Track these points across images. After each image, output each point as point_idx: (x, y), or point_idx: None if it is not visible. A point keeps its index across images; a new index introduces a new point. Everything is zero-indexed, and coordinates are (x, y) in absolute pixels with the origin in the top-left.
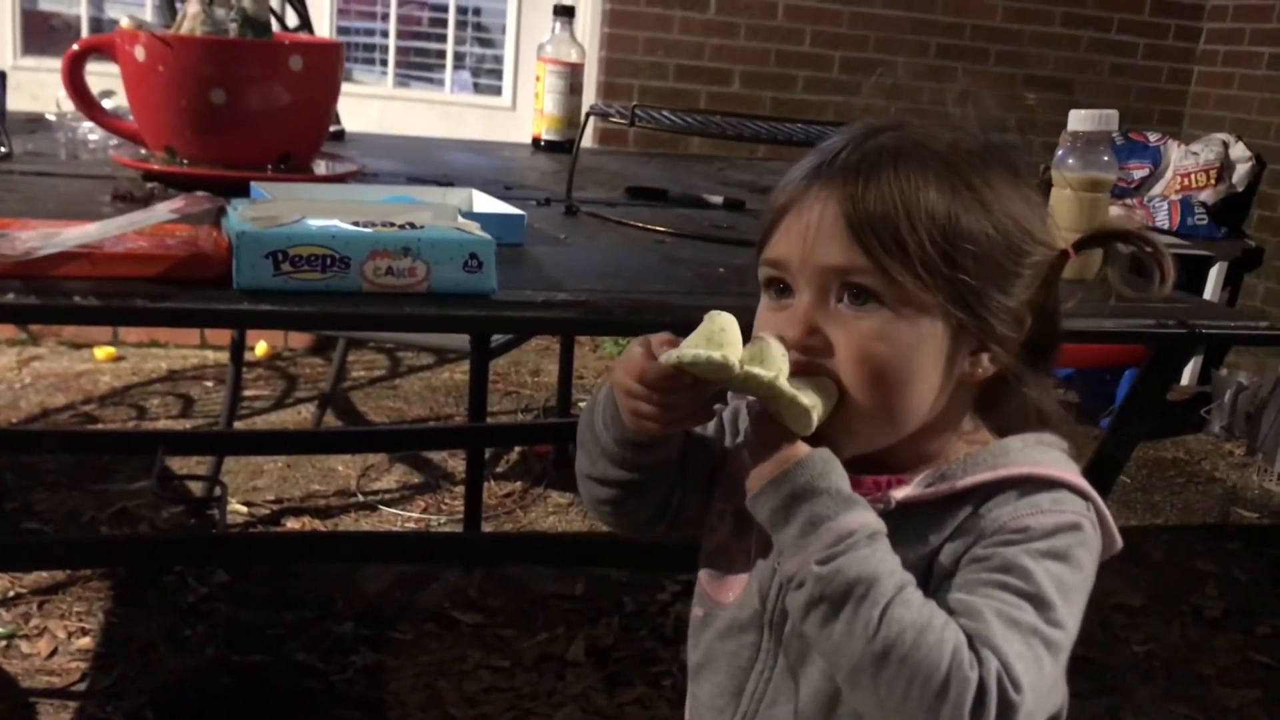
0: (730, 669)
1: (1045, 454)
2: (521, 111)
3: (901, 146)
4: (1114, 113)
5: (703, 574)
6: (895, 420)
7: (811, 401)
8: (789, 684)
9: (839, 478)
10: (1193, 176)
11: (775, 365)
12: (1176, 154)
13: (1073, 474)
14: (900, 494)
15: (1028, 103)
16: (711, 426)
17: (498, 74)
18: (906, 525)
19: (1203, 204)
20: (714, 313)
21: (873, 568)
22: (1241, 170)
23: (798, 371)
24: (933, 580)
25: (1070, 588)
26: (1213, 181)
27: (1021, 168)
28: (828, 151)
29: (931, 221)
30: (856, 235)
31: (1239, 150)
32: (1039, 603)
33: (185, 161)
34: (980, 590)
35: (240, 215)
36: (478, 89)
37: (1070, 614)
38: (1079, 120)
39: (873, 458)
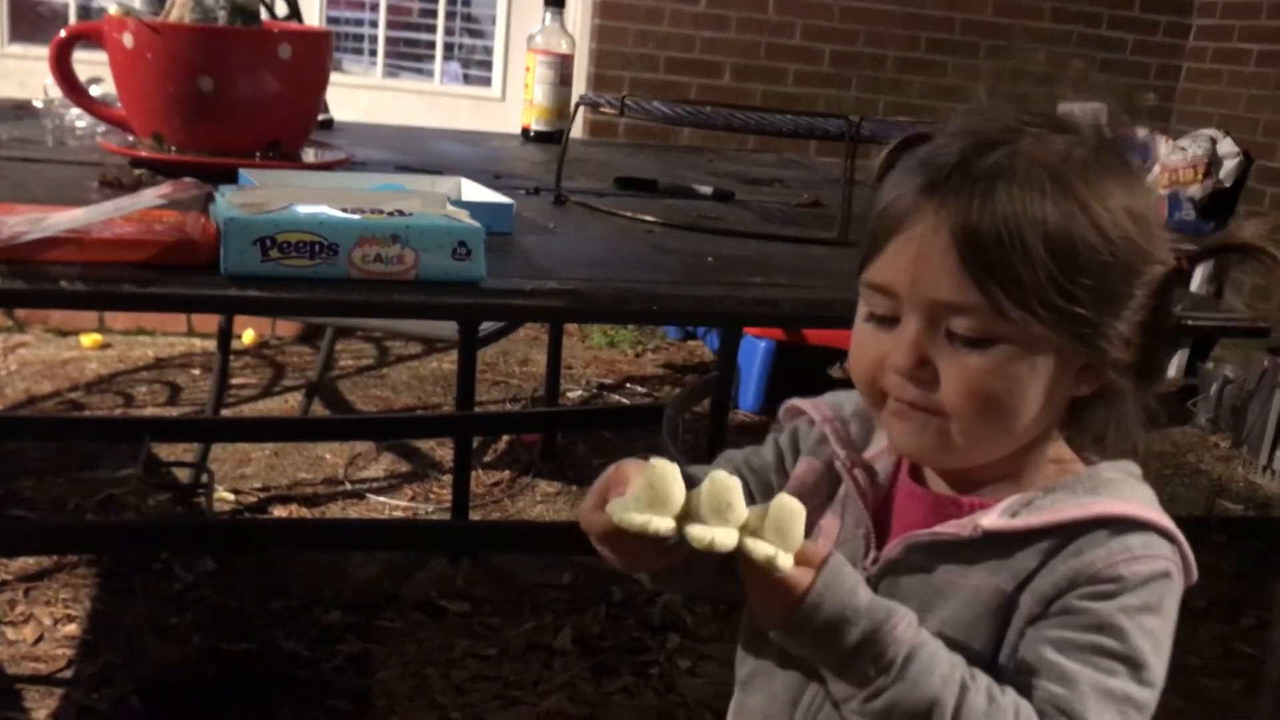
0: (786, 681)
1: (1135, 490)
2: (511, 103)
3: (1015, 166)
4: (1102, 106)
5: None
6: (999, 446)
7: (767, 552)
8: None
9: (850, 593)
10: (1180, 172)
11: (730, 516)
12: (1165, 149)
13: (1160, 514)
14: (987, 522)
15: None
16: (769, 453)
17: (488, 65)
18: (988, 553)
19: (1190, 199)
20: (652, 463)
21: (924, 691)
22: (1229, 166)
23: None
24: (1013, 620)
25: (1161, 641)
26: (1200, 177)
27: (1135, 165)
28: (938, 167)
29: (1049, 255)
30: (969, 270)
31: (1226, 146)
32: (1133, 664)
33: (173, 148)
34: (1073, 653)
35: (228, 201)
36: (468, 80)
37: (1161, 667)
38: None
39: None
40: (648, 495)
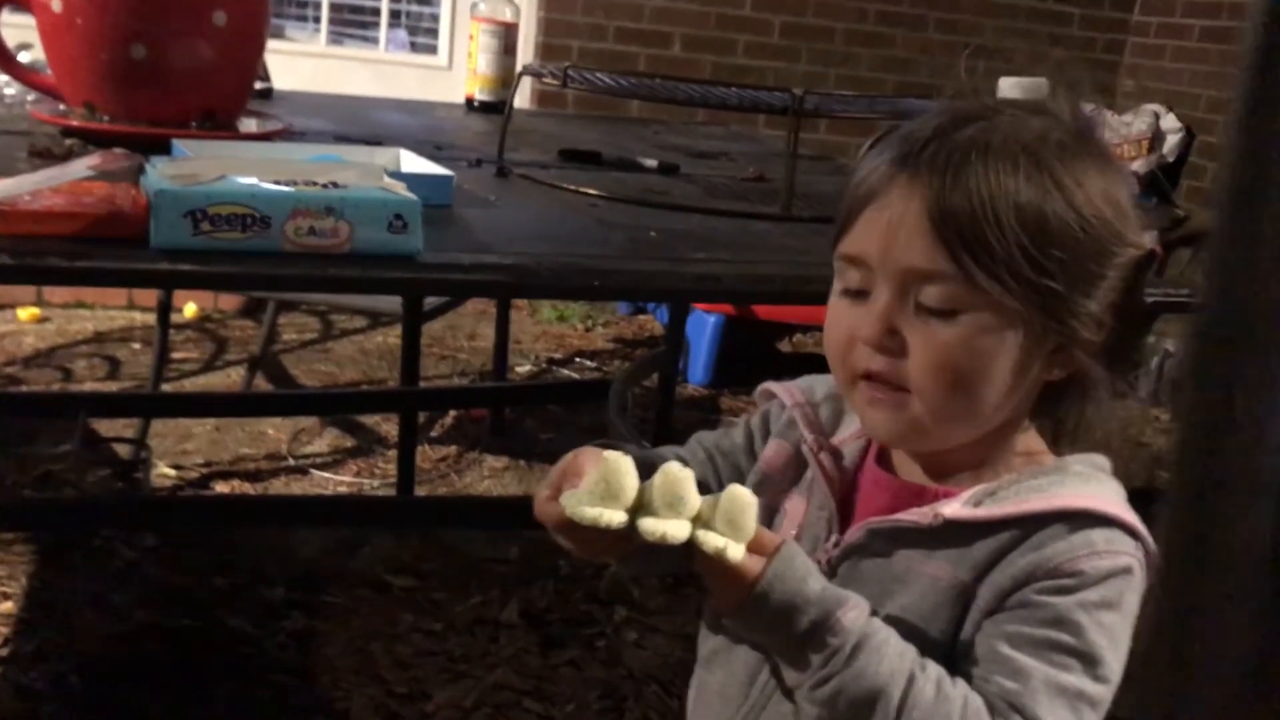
0: (744, 659)
1: (1102, 484)
2: (458, 71)
3: (991, 140)
4: (1043, 81)
5: None
6: (969, 426)
7: (717, 544)
8: None
9: (801, 581)
10: (1125, 147)
11: (682, 508)
12: (1111, 124)
13: (1126, 510)
14: (949, 511)
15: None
16: (739, 435)
17: (435, 33)
18: (949, 541)
19: (1135, 174)
20: (605, 457)
21: (871, 681)
22: (1172, 141)
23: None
24: (970, 612)
25: (1119, 637)
26: (1144, 152)
27: (1112, 153)
28: (913, 140)
29: (1021, 226)
30: (941, 237)
31: (1170, 121)
32: (1089, 660)
33: (105, 118)
34: (1028, 648)
35: (159, 173)
36: (415, 48)
37: (1118, 663)
38: (1009, 88)
39: (928, 455)
40: (600, 488)
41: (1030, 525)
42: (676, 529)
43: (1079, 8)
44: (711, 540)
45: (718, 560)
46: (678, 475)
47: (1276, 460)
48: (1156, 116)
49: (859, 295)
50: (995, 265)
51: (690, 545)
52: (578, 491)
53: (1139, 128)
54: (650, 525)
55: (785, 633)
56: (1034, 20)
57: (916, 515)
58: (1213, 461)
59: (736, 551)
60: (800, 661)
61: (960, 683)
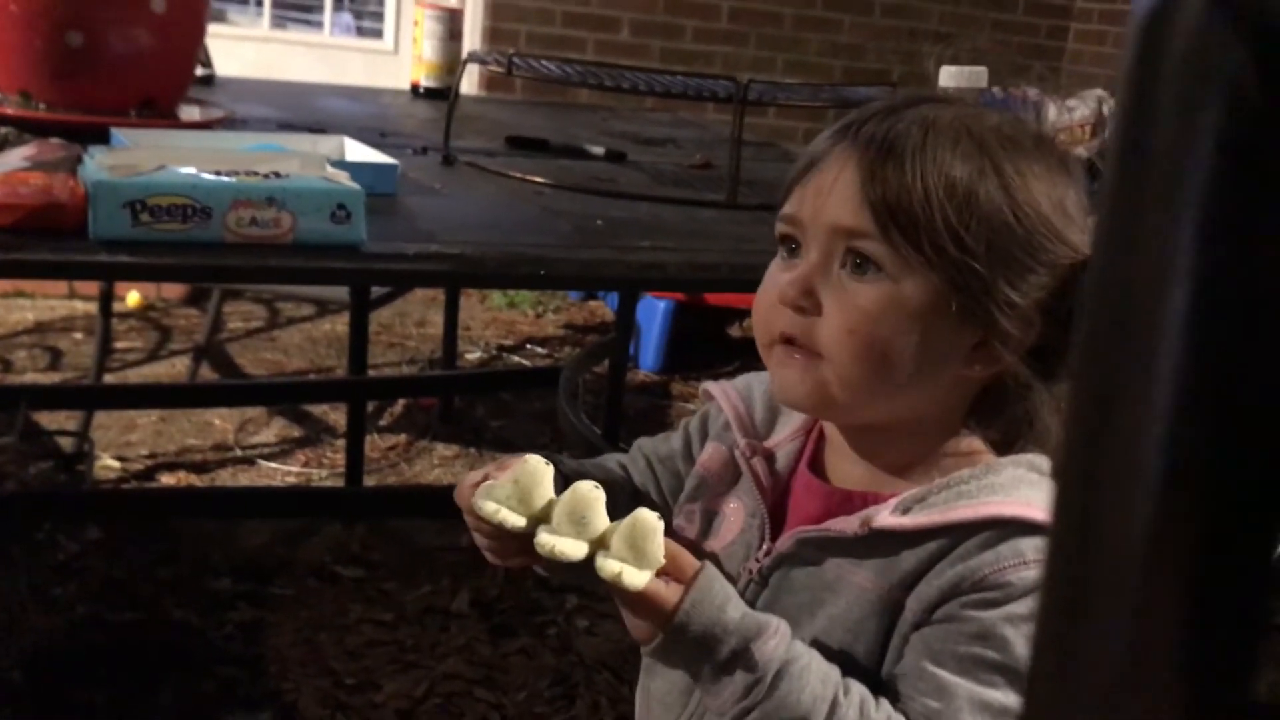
0: None
1: (1035, 489)
2: (404, 57)
3: (939, 118)
4: (983, 70)
5: None
6: (876, 397)
7: (613, 569)
8: None
9: (719, 609)
10: (1069, 131)
11: (584, 528)
12: (1054, 110)
13: None
14: (877, 520)
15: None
16: (677, 441)
17: (380, 16)
18: (877, 550)
19: (1078, 157)
20: (525, 459)
21: (794, 709)
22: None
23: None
24: (898, 624)
25: None
26: (1088, 137)
27: (1070, 162)
28: (861, 114)
29: (948, 198)
30: (868, 198)
31: (1113, 107)
32: (1015, 676)
33: (41, 106)
34: (953, 664)
35: (97, 163)
36: (360, 32)
37: None
38: (949, 76)
39: (858, 450)
40: (513, 489)
41: (959, 534)
42: (571, 548)
43: None
44: (609, 566)
45: (615, 585)
46: (586, 495)
47: (1154, 457)
48: (1100, 102)
49: (792, 258)
50: (918, 235)
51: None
52: (494, 486)
53: (1083, 112)
54: (544, 539)
55: (705, 662)
56: (978, 6)
57: (844, 524)
58: (1094, 456)
59: (635, 577)
60: (721, 691)
61: (884, 704)
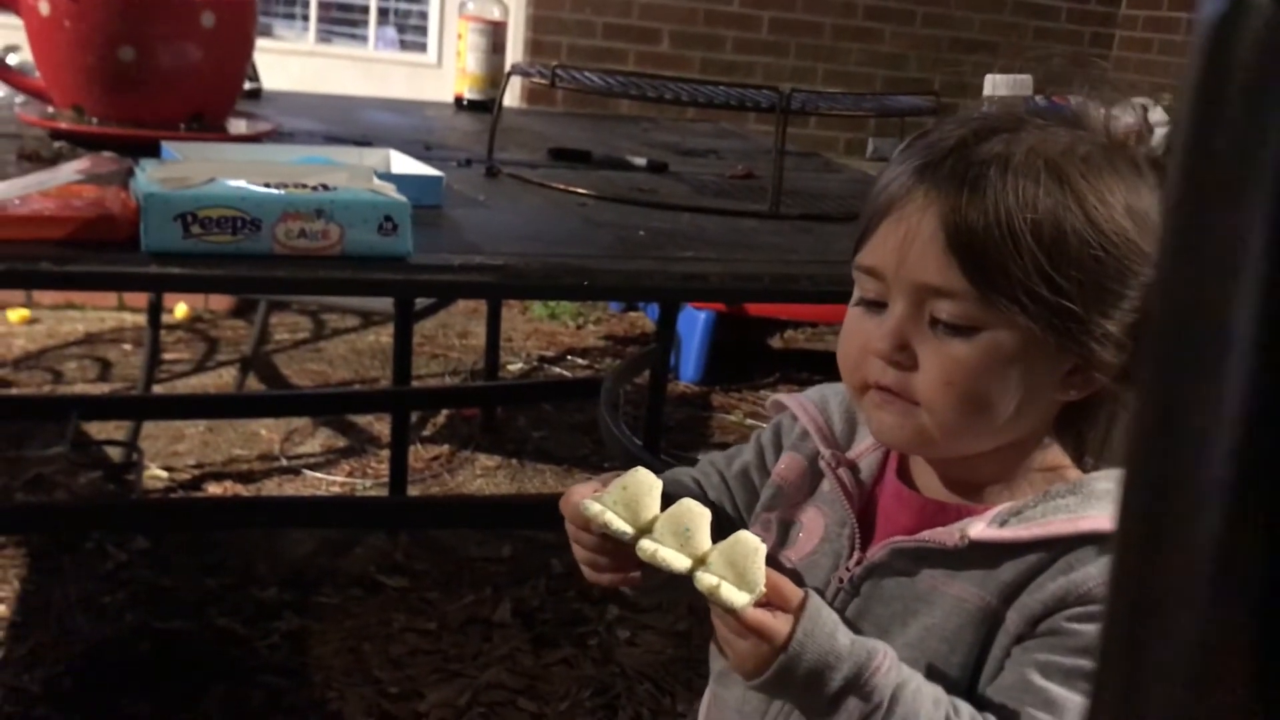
0: None
1: None
2: (448, 69)
3: (1013, 153)
4: (1028, 77)
5: None
6: (978, 441)
7: (711, 582)
8: None
9: (829, 636)
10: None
11: (688, 543)
12: (1098, 117)
13: None
14: (975, 532)
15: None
16: (749, 453)
17: (424, 30)
18: (975, 562)
19: None
20: (635, 470)
21: None
22: (1160, 134)
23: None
24: (998, 635)
25: None
26: (1133, 144)
27: (1144, 164)
28: (936, 150)
29: (1037, 244)
30: (955, 254)
31: (1157, 114)
32: None
33: (94, 120)
34: (1059, 678)
35: (149, 176)
36: (404, 46)
37: None
38: (994, 85)
39: (948, 464)
40: (622, 497)
41: (1058, 549)
42: (674, 558)
43: (1065, 2)
44: (706, 579)
45: (713, 599)
46: (692, 509)
47: (1221, 466)
48: (1144, 109)
49: (874, 306)
50: (1010, 285)
51: (701, 593)
52: (601, 494)
53: (1127, 120)
54: (647, 545)
55: (819, 694)
56: (1021, 14)
57: (942, 535)
58: (1161, 465)
59: (734, 595)
60: (834, 713)
61: (990, 719)
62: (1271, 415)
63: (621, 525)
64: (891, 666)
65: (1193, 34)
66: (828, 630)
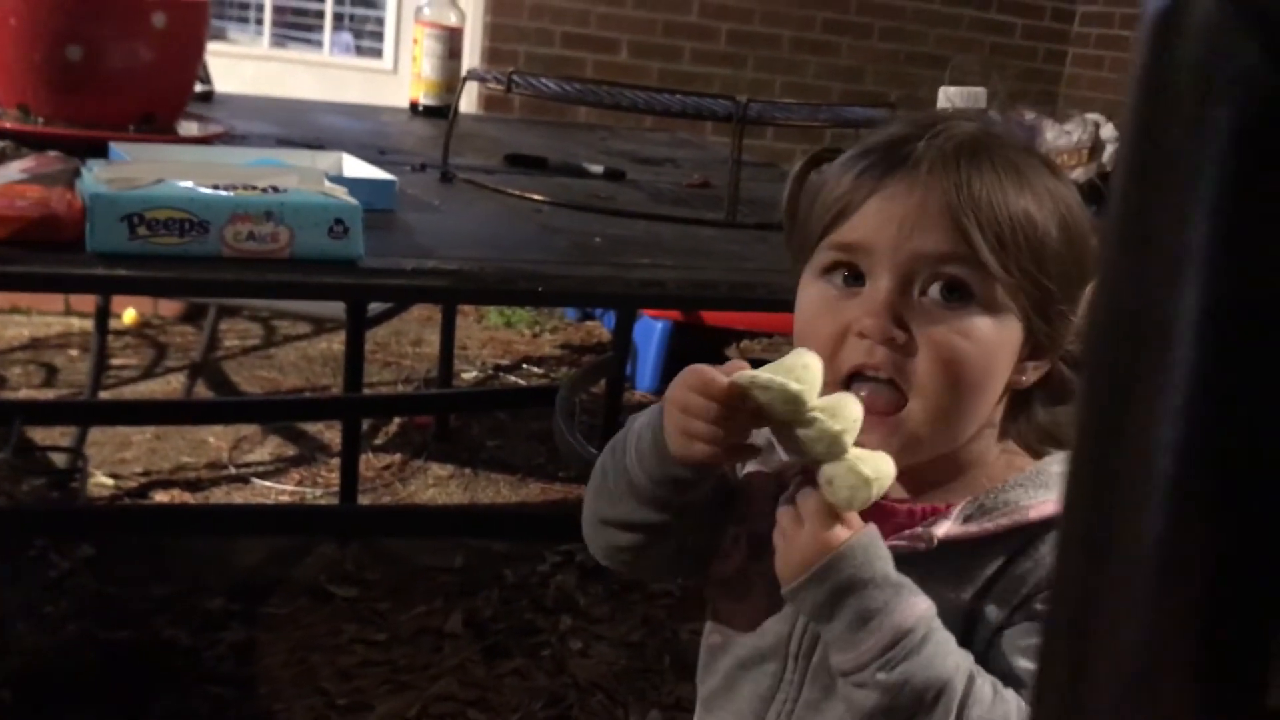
0: (750, 698)
1: None
2: (403, 75)
3: (992, 142)
4: (982, 90)
5: (718, 600)
6: (960, 428)
7: (873, 472)
8: (812, 717)
9: (884, 561)
10: (1066, 155)
11: (845, 421)
12: (1051, 133)
13: None
14: (942, 531)
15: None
16: None
17: (380, 36)
18: (946, 562)
19: (1074, 181)
20: (801, 349)
21: (939, 670)
22: (1110, 150)
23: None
24: (976, 632)
25: None
26: (1085, 160)
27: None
28: (905, 140)
29: (1027, 220)
30: (960, 223)
31: (1109, 130)
32: None
33: (40, 120)
34: None
35: (95, 176)
36: (359, 51)
37: None
38: (947, 98)
39: (910, 465)
40: (800, 374)
41: (1025, 535)
42: (840, 443)
43: (1021, 18)
44: (863, 470)
45: (864, 483)
46: (852, 401)
47: (1166, 461)
48: (1096, 126)
49: (851, 285)
50: (1005, 255)
51: (834, 453)
52: (771, 367)
53: (1080, 137)
54: (826, 420)
55: (854, 606)
56: (976, 29)
57: (909, 540)
58: (1104, 461)
59: (883, 488)
60: (864, 641)
61: (1011, 691)
62: (1214, 411)
63: (795, 386)
64: (931, 607)
65: (1137, 28)
66: (882, 554)
